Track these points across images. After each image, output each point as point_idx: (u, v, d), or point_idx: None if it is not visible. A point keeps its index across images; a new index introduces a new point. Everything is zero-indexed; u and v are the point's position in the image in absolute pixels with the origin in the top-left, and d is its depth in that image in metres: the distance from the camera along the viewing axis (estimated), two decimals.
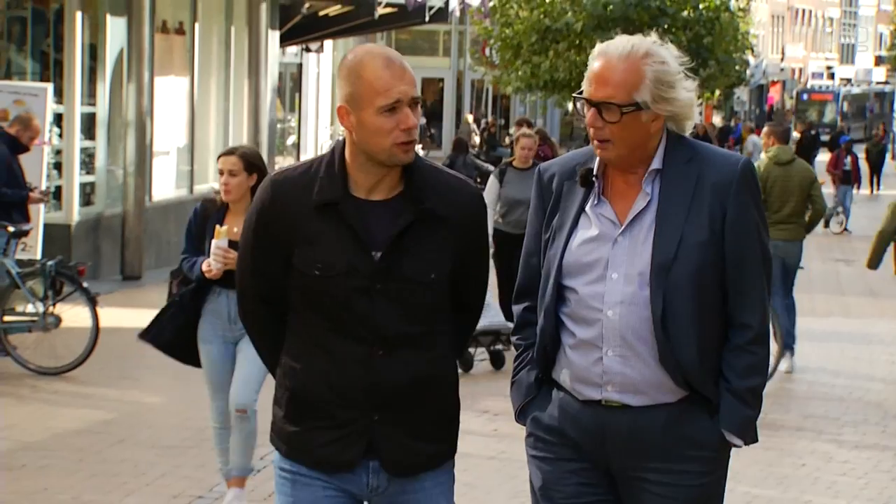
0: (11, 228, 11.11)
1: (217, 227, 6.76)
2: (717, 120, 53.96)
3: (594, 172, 3.76)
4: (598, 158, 3.75)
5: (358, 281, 3.61)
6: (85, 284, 10.87)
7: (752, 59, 41.71)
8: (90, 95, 16.66)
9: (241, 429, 6.93)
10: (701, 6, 29.97)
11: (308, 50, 34.21)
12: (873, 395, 11.19)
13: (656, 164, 3.72)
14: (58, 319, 10.86)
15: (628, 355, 3.68)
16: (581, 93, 3.70)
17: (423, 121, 44.19)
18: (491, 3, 31.11)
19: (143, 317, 7.56)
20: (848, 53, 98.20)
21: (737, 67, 36.82)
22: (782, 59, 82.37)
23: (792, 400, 10.80)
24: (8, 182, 11.64)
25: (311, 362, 3.69)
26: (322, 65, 32.33)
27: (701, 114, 50.41)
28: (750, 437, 3.76)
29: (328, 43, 35.50)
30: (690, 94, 3.71)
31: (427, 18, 29.89)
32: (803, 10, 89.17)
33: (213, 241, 6.73)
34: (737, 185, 3.69)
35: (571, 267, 3.73)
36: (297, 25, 24.88)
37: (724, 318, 3.73)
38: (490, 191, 12.39)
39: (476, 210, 3.77)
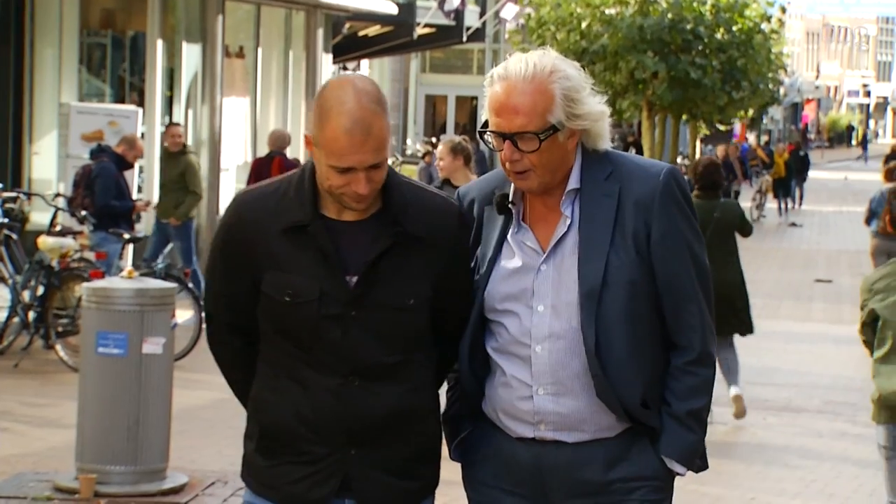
0: (127, 236, 13.15)
1: None
2: (752, 139, 55.50)
3: (510, 198, 3.63)
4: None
5: (331, 308, 3.50)
6: (190, 285, 12.90)
7: (785, 79, 43.46)
8: (165, 116, 18.74)
9: None
10: (734, 29, 31.82)
11: (345, 69, 36.27)
12: None
13: (573, 183, 3.58)
14: None
15: (560, 392, 3.55)
16: (486, 126, 3.56)
17: (458, 138, 45.97)
18: (523, 21, 32.91)
19: None
20: (885, 71, 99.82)
21: (770, 87, 38.56)
22: (817, 77, 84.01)
23: (815, 389, 12.76)
24: (116, 195, 13.65)
25: (282, 394, 3.58)
26: None
27: (736, 134, 52.14)
28: (695, 464, 3.63)
29: (364, 62, 37.57)
30: (602, 107, 3.57)
31: (465, 38, 31.86)
32: (839, 28, 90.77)
33: None
34: (660, 199, 3.55)
35: (496, 301, 3.59)
36: (337, 45, 26.85)
37: (665, 342, 3.60)
38: None
39: (458, 231, 3.64)
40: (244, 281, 3.59)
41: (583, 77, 3.55)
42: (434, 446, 3.68)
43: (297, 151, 22.21)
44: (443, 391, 3.80)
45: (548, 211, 3.60)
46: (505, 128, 3.51)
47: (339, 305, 3.50)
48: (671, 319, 3.57)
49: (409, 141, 40.87)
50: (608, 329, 3.50)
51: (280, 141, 16.49)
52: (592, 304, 3.49)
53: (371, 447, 3.56)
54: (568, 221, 3.57)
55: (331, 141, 3.42)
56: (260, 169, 16.36)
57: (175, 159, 15.09)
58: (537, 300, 3.55)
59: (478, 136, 3.61)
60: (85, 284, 8.45)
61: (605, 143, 3.61)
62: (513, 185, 3.61)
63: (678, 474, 3.61)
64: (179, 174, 15.08)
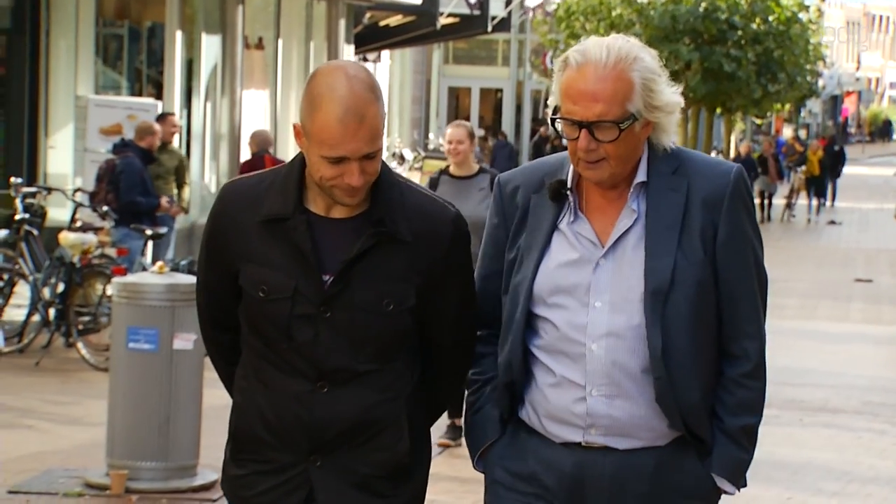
0: (149, 232, 13.45)
1: None
2: (787, 132, 55.58)
3: (567, 185, 3.58)
4: (570, 168, 3.57)
5: (303, 307, 3.48)
6: None
7: (824, 70, 43.63)
8: (184, 109, 19.07)
9: None
10: (771, 18, 32.03)
11: (365, 60, 36.57)
12: None
13: (641, 176, 3.55)
14: None
15: (615, 395, 3.51)
16: (556, 111, 3.52)
17: (481, 132, 46.37)
18: (552, 8, 33.10)
19: None
20: None
21: (808, 79, 38.69)
22: (858, 69, 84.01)
23: (853, 390, 13.03)
24: (142, 192, 13.92)
25: (251, 397, 3.57)
26: (379, 75, 34.36)
27: (770, 128, 52.27)
28: (742, 483, 3.62)
29: (386, 53, 37.89)
30: (678, 98, 3.57)
31: (490, 28, 32.13)
32: (880, 17, 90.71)
33: None
34: (729, 200, 3.54)
35: (545, 293, 3.54)
36: (357, 35, 27.15)
37: (719, 349, 3.59)
38: None
39: (452, 237, 3.57)
40: (224, 273, 3.57)
41: (660, 66, 3.54)
42: (408, 466, 3.59)
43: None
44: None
45: (607, 203, 3.57)
46: (582, 116, 3.46)
47: (312, 305, 3.48)
48: (728, 325, 3.56)
49: (431, 135, 41.12)
50: (673, 330, 3.47)
51: (265, 143, 16.75)
52: (658, 303, 3.47)
53: (336, 458, 3.53)
54: (634, 215, 3.54)
55: (322, 130, 3.39)
56: (252, 170, 16.57)
57: (169, 150, 15.27)
58: (595, 296, 3.51)
59: (549, 122, 3.56)
60: (115, 279, 8.75)
61: (672, 137, 3.59)
62: (570, 171, 3.57)
63: (726, 493, 3.61)
64: (176, 166, 15.28)
